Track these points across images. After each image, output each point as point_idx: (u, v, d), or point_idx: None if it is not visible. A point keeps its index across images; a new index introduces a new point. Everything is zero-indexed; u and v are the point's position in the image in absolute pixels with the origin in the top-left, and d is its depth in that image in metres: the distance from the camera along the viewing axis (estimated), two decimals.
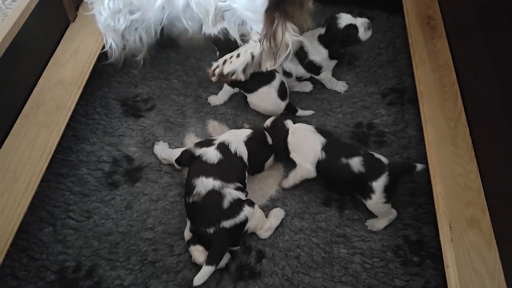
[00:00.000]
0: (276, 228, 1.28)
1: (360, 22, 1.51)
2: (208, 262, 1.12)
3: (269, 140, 1.38)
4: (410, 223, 1.29)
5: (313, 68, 1.58)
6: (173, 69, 1.70)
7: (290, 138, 1.35)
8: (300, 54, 1.55)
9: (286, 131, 1.36)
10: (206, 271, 1.11)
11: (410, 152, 1.45)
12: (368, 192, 1.24)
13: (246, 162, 1.31)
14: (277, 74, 1.50)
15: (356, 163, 1.25)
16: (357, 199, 1.31)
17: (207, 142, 1.32)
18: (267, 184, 1.39)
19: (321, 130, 1.35)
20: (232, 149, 1.29)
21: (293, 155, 1.35)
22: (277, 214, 1.29)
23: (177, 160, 1.35)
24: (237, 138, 1.33)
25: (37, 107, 1.40)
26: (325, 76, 1.61)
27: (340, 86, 1.64)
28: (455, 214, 1.19)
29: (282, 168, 1.43)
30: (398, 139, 1.49)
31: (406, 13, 1.78)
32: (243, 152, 1.31)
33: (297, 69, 1.59)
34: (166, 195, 1.35)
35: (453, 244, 1.14)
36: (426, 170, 1.35)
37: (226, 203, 1.18)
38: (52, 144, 1.33)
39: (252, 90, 1.50)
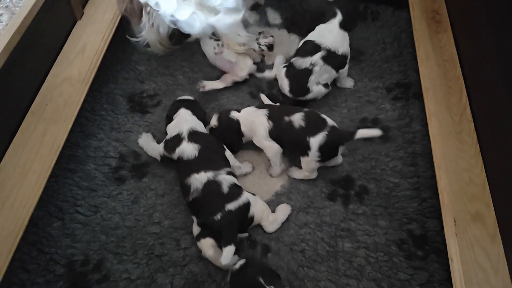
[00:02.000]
0: (282, 223, 1.29)
1: None
2: (226, 243, 1.13)
3: (190, 97, 1.50)
4: (415, 217, 1.30)
5: (344, 60, 1.55)
6: (179, 65, 1.71)
7: (243, 128, 1.38)
8: (330, 60, 1.49)
9: (237, 123, 1.38)
10: (228, 251, 1.13)
11: (415, 147, 1.45)
12: (305, 147, 1.29)
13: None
14: None
15: (297, 118, 1.31)
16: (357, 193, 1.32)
17: (175, 141, 1.33)
18: (272, 180, 1.40)
19: (261, 106, 1.41)
20: (201, 129, 1.36)
21: (255, 141, 1.39)
22: (284, 210, 1.31)
23: (161, 161, 1.39)
24: (190, 120, 1.38)
25: (45, 103, 1.42)
26: (347, 66, 1.58)
27: (350, 82, 1.64)
28: (459, 208, 1.20)
29: (287, 163, 1.44)
30: (403, 134, 1.49)
31: (412, 7, 1.77)
32: (201, 125, 1.39)
33: (331, 74, 1.55)
34: (172, 190, 1.37)
35: (458, 238, 1.14)
36: (431, 165, 1.35)
37: (225, 188, 1.21)
38: (60, 140, 1.35)
39: None
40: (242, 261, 1.13)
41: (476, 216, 1.18)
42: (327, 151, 1.30)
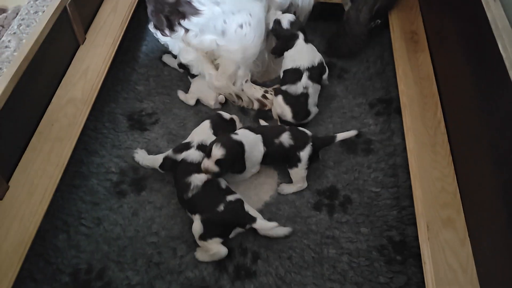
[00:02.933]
0: (276, 235, 1.36)
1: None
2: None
3: (226, 116, 1.54)
4: (394, 224, 1.39)
5: (323, 65, 1.64)
6: (176, 85, 1.81)
7: (246, 148, 1.39)
8: (315, 76, 1.58)
9: (241, 145, 1.38)
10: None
11: (396, 159, 1.55)
12: (295, 161, 1.43)
13: None
14: None
15: (285, 138, 1.43)
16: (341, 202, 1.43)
17: (185, 146, 1.44)
18: (262, 190, 1.49)
19: (255, 129, 1.47)
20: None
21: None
22: (284, 229, 1.37)
23: (160, 167, 1.47)
24: (205, 134, 1.46)
25: (51, 124, 1.50)
26: (327, 70, 1.67)
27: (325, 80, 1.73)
28: (432, 215, 1.29)
29: (276, 176, 1.53)
30: (384, 147, 1.59)
31: (392, 28, 1.88)
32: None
33: (318, 90, 1.63)
34: (169, 203, 1.46)
35: (430, 243, 1.23)
36: (410, 175, 1.45)
37: (223, 185, 1.35)
38: (65, 157, 1.43)
39: None
40: None
41: (447, 222, 1.27)
42: (312, 158, 1.44)
